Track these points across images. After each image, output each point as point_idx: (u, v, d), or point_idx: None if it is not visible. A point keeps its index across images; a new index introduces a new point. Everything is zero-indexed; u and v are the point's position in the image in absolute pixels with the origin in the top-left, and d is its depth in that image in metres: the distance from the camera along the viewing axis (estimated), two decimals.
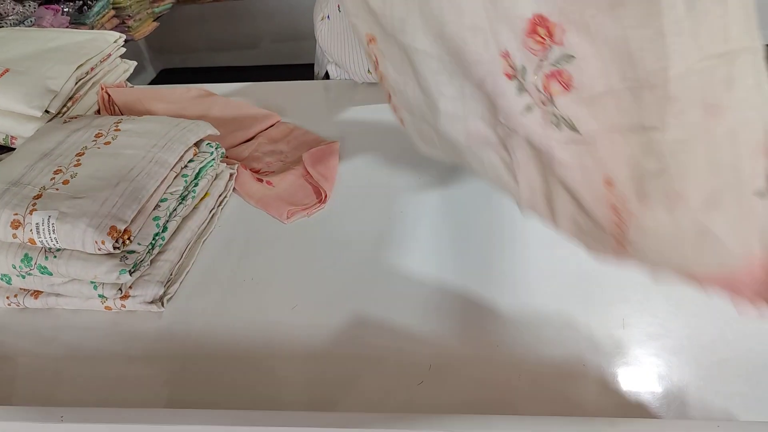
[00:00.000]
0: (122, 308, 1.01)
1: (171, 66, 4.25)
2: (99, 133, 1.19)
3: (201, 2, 3.95)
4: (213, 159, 1.24)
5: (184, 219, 1.17)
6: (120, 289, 1.02)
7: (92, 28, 2.43)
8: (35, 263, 0.99)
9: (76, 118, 1.29)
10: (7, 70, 1.38)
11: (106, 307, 1.03)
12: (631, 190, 0.54)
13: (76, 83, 1.44)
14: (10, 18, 2.13)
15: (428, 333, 0.91)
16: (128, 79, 1.65)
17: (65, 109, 1.42)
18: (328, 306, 0.96)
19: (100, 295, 1.01)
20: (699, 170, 0.50)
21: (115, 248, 0.98)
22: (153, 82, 2.97)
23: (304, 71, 1.83)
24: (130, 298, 1.01)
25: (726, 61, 0.47)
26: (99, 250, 0.97)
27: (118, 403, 0.88)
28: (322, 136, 1.42)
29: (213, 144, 1.28)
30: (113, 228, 0.97)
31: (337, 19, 1.52)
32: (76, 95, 1.47)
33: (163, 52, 4.17)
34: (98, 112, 1.52)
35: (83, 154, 1.13)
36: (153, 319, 1.02)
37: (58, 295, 1.04)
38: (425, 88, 0.72)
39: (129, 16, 2.81)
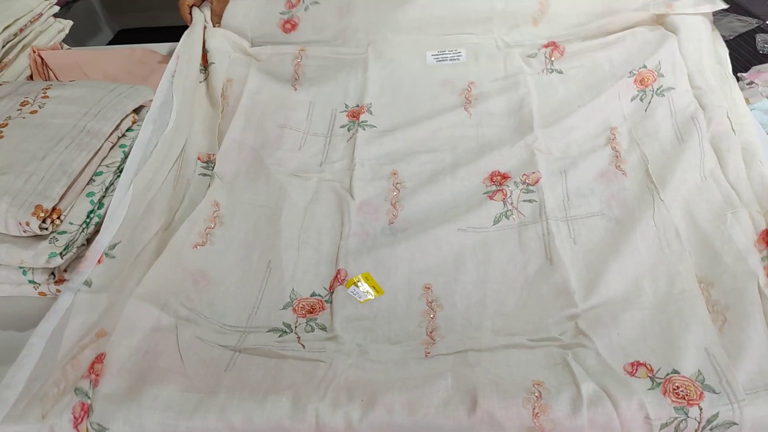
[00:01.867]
0: (58, 293, 0.90)
1: (129, 26, 3.92)
2: (25, 101, 1.07)
3: None
4: None
5: None
6: (53, 274, 0.90)
7: None
8: None
9: (1, 85, 1.14)
10: None
11: (40, 293, 0.93)
12: None
13: (4, 46, 1.29)
14: None
15: None
16: (82, 42, 1.49)
17: None
18: None
19: (30, 281, 0.90)
20: None
21: (42, 229, 0.86)
22: (110, 44, 2.73)
23: None
24: (65, 282, 0.90)
25: None
26: (24, 232, 0.86)
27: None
28: None
29: None
30: (38, 207, 0.86)
31: None
32: (5, 60, 1.31)
33: (119, 12, 3.86)
34: (31, 77, 1.36)
35: (6, 125, 1.00)
36: None
37: None
38: None
39: None
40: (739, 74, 2.31)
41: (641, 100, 1.18)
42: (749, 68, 2.47)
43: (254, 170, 1.15)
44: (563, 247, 0.95)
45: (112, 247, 0.93)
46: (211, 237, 1.02)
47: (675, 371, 0.76)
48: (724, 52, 1.25)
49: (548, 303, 0.88)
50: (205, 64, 1.32)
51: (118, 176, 1.03)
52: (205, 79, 1.31)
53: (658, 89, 1.17)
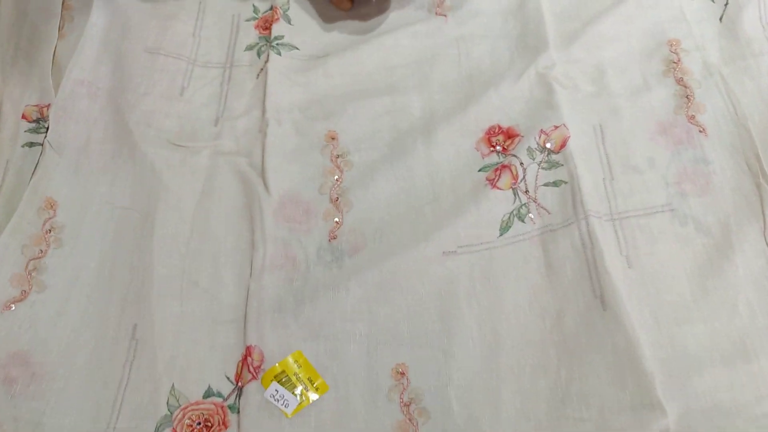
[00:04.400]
0: None
1: None
2: None
3: None
4: None
5: None
6: None
7: None
8: None
9: None
10: None
11: None
12: None
13: None
14: None
15: None
16: None
17: None
18: None
19: None
20: None
21: None
22: None
23: None
24: None
25: None
26: None
27: None
28: None
29: None
30: None
31: None
32: None
33: None
34: None
35: None
36: None
37: None
38: None
39: None
40: None
41: None
42: None
43: (113, 136, 0.69)
44: (617, 272, 0.55)
45: None
46: (39, 277, 0.60)
47: None
48: None
49: (608, 397, 0.50)
50: None
51: None
52: None
53: None
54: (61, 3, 0.78)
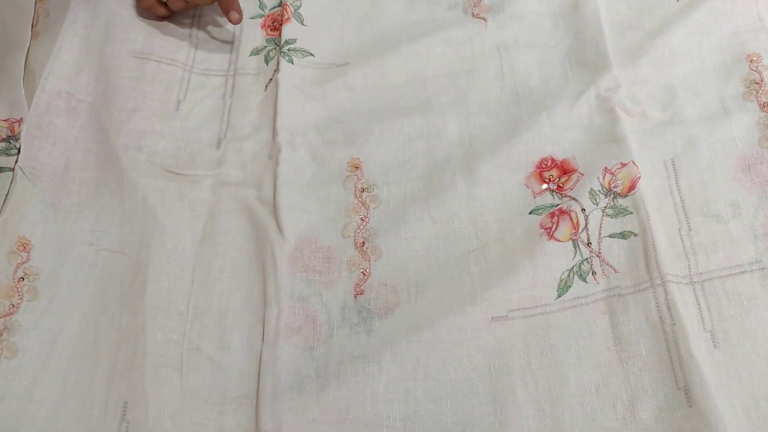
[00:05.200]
0: None
1: None
2: None
3: None
4: None
5: None
6: None
7: None
8: None
9: None
10: None
11: None
12: None
13: None
14: None
15: None
16: None
17: None
18: None
19: None
20: None
21: None
22: None
23: None
24: None
25: None
26: None
27: None
28: None
29: None
30: None
31: None
32: None
33: None
34: None
35: None
36: None
37: None
38: None
39: None
40: None
41: None
42: None
43: (96, 161, 0.59)
44: (702, 356, 0.46)
45: None
46: (11, 338, 0.50)
47: None
48: None
49: None
50: None
51: None
52: None
53: None
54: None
